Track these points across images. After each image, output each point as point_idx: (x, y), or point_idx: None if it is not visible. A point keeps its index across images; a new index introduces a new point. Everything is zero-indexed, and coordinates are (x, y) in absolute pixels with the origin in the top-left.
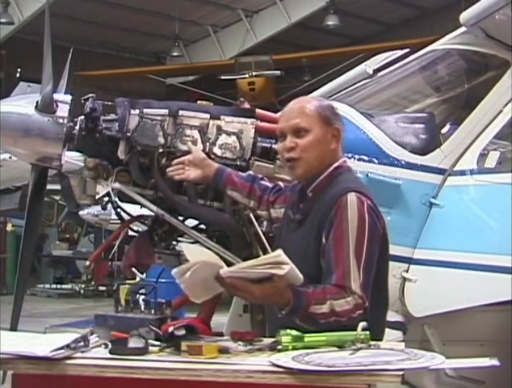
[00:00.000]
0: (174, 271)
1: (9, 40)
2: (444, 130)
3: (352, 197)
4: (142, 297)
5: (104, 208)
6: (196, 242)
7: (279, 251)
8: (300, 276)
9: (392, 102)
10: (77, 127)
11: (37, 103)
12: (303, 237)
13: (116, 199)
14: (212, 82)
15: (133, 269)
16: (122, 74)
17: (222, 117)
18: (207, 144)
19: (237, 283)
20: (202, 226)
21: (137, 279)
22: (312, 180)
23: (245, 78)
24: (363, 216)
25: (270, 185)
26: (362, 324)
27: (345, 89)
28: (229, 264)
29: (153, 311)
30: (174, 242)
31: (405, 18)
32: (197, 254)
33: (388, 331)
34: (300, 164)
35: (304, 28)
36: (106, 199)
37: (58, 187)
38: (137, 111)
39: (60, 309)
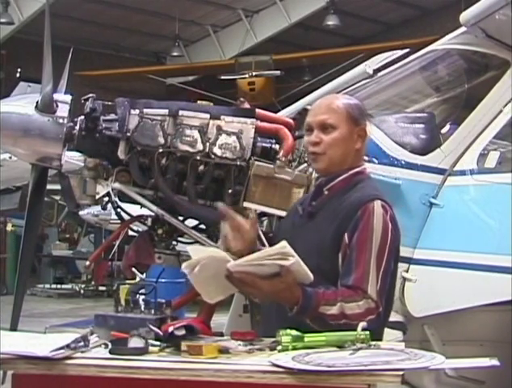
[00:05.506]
0: (183, 265)
1: (9, 40)
2: (444, 130)
3: (378, 205)
4: (142, 297)
5: (104, 208)
6: (196, 242)
7: (284, 243)
8: (309, 273)
9: (392, 102)
10: (77, 127)
11: (37, 103)
12: (315, 230)
13: (116, 199)
14: (212, 82)
15: (133, 269)
16: (122, 74)
17: (222, 117)
18: (207, 144)
19: (246, 278)
20: (202, 226)
21: (137, 279)
22: (330, 179)
23: (245, 78)
24: (387, 224)
25: None
26: (362, 324)
27: (345, 89)
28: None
29: (153, 311)
30: (174, 242)
31: (405, 19)
32: (203, 252)
33: (388, 331)
34: (323, 159)
35: (304, 28)
36: (106, 199)
37: (58, 187)
38: (137, 111)
39: (60, 309)
